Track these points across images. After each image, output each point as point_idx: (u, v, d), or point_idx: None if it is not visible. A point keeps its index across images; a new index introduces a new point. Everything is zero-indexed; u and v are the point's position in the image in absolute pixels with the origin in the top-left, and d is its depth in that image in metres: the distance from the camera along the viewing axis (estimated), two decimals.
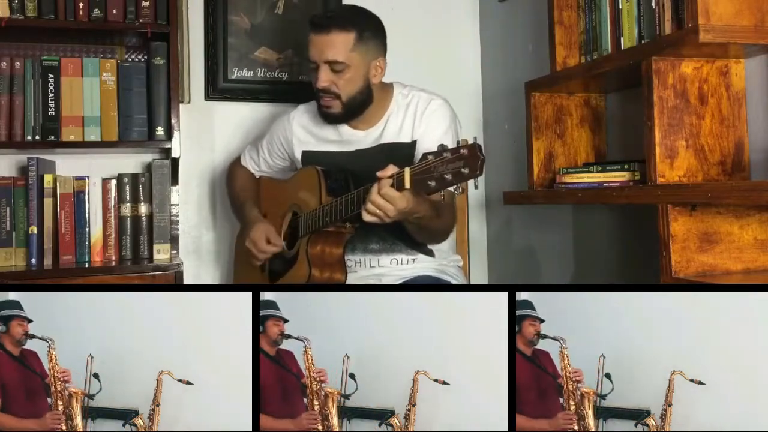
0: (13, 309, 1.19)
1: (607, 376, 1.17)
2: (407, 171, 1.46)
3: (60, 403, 1.17)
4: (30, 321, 1.18)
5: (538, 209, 2.45)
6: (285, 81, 2.59)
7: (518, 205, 2.39)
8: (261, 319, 1.20)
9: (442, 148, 1.42)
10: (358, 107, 1.92)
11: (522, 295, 1.19)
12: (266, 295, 1.21)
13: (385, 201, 1.52)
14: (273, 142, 2.15)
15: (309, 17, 1.94)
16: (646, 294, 1.20)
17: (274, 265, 2.04)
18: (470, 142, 1.40)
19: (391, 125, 1.94)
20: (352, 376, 1.19)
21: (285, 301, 1.22)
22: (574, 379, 1.17)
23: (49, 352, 1.18)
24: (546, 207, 2.39)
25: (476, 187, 1.43)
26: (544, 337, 1.18)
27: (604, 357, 1.18)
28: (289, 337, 1.20)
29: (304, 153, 2.05)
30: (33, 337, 1.18)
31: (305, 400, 1.19)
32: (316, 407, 1.19)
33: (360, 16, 1.92)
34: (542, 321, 1.18)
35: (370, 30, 1.90)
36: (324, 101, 1.91)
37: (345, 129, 1.99)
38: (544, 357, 1.19)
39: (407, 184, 1.46)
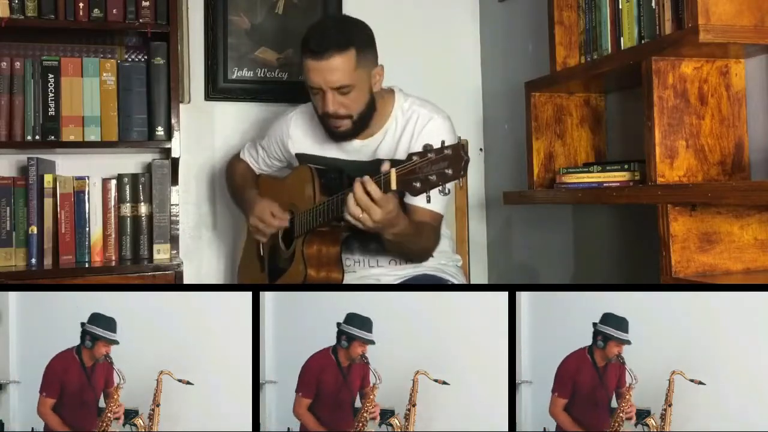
0: (105, 329, 1.19)
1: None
2: (393, 171, 1.46)
3: None
4: (117, 343, 1.19)
5: (538, 209, 2.45)
6: (285, 81, 2.59)
7: (518, 205, 2.39)
8: (349, 337, 1.20)
9: (427, 147, 1.42)
10: (367, 121, 1.88)
11: (620, 310, 1.18)
12: (361, 311, 1.20)
13: (370, 201, 1.51)
14: (271, 142, 2.14)
15: (301, 40, 1.82)
16: (646, 294, 1.20)
17: (273, 263, 2.04)
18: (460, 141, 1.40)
19: (389, 139, 1.91)
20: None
21: (286, 299, 1.22)
22: (626, 414, 1.17)
23: (117, 386, 1.19)
24: (546, 207, 2.39)
25: (461, 186, 1.43)
26: (623, 362, 1.18)
27: None
28: (366, 362, 1.20)
29: (299, 155, 2.04)
30: (111, 363, 1.19)
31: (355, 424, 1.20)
32: None
33: (353, 29, 1.83)
34: (629, 343, 1.17)
35: (365, 41, 1.83)
36: (333, 124, 1.85)
37: None
38: (614, 370, 1.18)
39: (393, 185, 1.46)
